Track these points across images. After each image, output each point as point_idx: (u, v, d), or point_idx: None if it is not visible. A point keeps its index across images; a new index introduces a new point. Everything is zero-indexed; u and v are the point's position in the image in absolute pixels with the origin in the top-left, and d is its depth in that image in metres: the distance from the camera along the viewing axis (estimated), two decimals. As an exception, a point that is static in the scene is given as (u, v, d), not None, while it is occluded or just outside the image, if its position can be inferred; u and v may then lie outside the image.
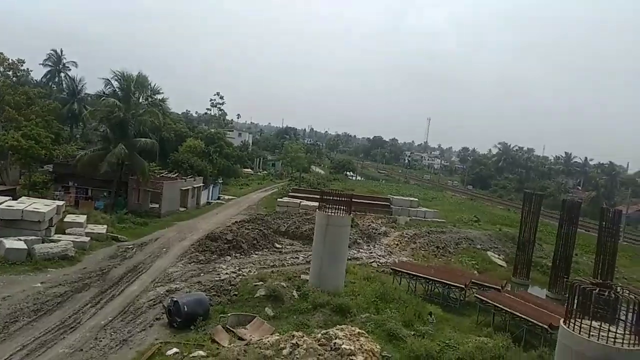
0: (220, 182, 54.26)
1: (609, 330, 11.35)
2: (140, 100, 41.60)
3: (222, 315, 18.46)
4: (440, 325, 20.27)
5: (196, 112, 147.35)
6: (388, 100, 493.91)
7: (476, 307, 22.63)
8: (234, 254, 28.35)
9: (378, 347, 15.89)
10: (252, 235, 31.68)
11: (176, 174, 43.65)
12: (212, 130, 70.35)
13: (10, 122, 38.70)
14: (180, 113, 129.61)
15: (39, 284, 19.87)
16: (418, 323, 19.47)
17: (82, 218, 28.91)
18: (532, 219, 33.92)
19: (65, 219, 28.23)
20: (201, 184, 45.32)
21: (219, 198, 51.22)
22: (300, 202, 46.19)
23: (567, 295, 15.17)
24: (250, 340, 15.88)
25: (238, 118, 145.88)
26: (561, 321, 12.44)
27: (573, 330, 11.65)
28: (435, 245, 37.98)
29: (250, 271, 25.13)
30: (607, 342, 11.10)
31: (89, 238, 26.76)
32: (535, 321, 19.20)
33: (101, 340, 15.82)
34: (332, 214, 22.89)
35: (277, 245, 32.22)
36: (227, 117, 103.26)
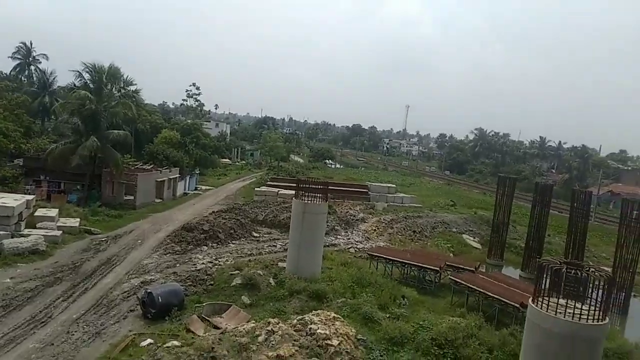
0: (197, 172, 53.64)
1: (575, 307, 11.68)
2: (113, 92, 40.77)
3: (197, 305, 18.36)
4: (415, 307, 20.57)
5: (173, 103, 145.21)
6: (367, 88, 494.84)
7: (451, 289, 23.03)
8: (210, 244, 28.16)
9: (353, 330, 16.09)
10: (229, 224, 31.51)
11: (151, 166, 43.00)
12: (189, 121, 69.36)
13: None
14: (157, 105, 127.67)
15: (8, 280, 19.43)
16: (393, 306, 19.72)
17: (53, 212, 28.30)
18: (506, 202, 34.61)
19: (36, 213, 27.57)
20: (177, 175, 44.73)
21: (196, 189, 50.66)
22: (279, 191, 46.07)
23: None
24: (226, 329, 15.86)
25: (216, 109, 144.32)
26: (530, 300, 12.75)
27: (541, 309, 11.95)
28: (412, 230, 38.42)
29: (227, 261, 25.04)
30: (572, 319, 11.42)
31: (60, 232, 26.24)
32: (507, 300, 19.63)
33: (73, 334, 15.60)
34: (309, 201, 22.92)
35: (255, 234, 32.13)
36: (205, 108, 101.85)
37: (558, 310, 11.75)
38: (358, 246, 32.08)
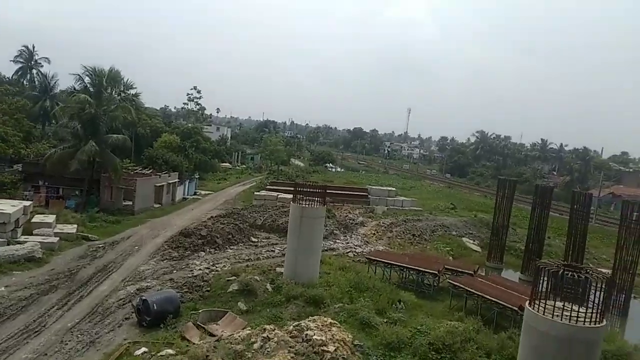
0: (196, 177, 53.59)
1: (572, 310, 11.56)
2: (113, 96, 40.76)
3: (193, 312, 18.22)
4: (413, 311, 20.40)
5: (174, 107, 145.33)
6: (368, 95, 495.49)
7: (449, 293, 22.85)
8: (208, 250, 28.03)
9: (350, 336, 15.94)
10: (227, 229, 31.37)
11: (150, 170, 42.93)
12: (189, 125, 69.36)
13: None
14: (158, 108, 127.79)
15: (3, 288, 19.28)
16: (391, 311, 19.55)
17: (51, 218, 28.20)
18: (506, 205, 34.44)
19: (34, 220, 27.49)
20: (176, 180, 44.68)
21: (195, 193, 50.58)
22: (278, 195, 45.90)
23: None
24: (221, 336, 15.73)
25: (218, 112, 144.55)
26: (526, 303, 12.62)
27: (537, 312, 11.82)
28: (412, 233, 38.25)
29: (224, 266, 24.89)
30: (569, 322, 11.29)
31: (57, 238, 26.12)
32: (505, 303, 19.47)
33: (67, 344, 15.45)
34: (307, 205, 22.77)
35: (253, 239, 31.99)
36: (207, 112, 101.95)
37: (555, 313, 11.62)
38: (357, 250, 31.91)
